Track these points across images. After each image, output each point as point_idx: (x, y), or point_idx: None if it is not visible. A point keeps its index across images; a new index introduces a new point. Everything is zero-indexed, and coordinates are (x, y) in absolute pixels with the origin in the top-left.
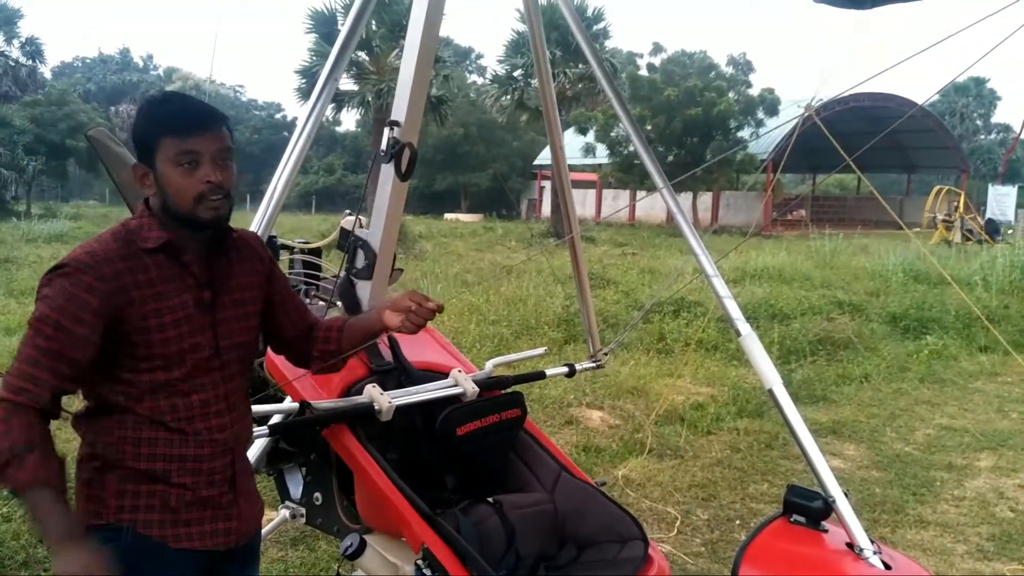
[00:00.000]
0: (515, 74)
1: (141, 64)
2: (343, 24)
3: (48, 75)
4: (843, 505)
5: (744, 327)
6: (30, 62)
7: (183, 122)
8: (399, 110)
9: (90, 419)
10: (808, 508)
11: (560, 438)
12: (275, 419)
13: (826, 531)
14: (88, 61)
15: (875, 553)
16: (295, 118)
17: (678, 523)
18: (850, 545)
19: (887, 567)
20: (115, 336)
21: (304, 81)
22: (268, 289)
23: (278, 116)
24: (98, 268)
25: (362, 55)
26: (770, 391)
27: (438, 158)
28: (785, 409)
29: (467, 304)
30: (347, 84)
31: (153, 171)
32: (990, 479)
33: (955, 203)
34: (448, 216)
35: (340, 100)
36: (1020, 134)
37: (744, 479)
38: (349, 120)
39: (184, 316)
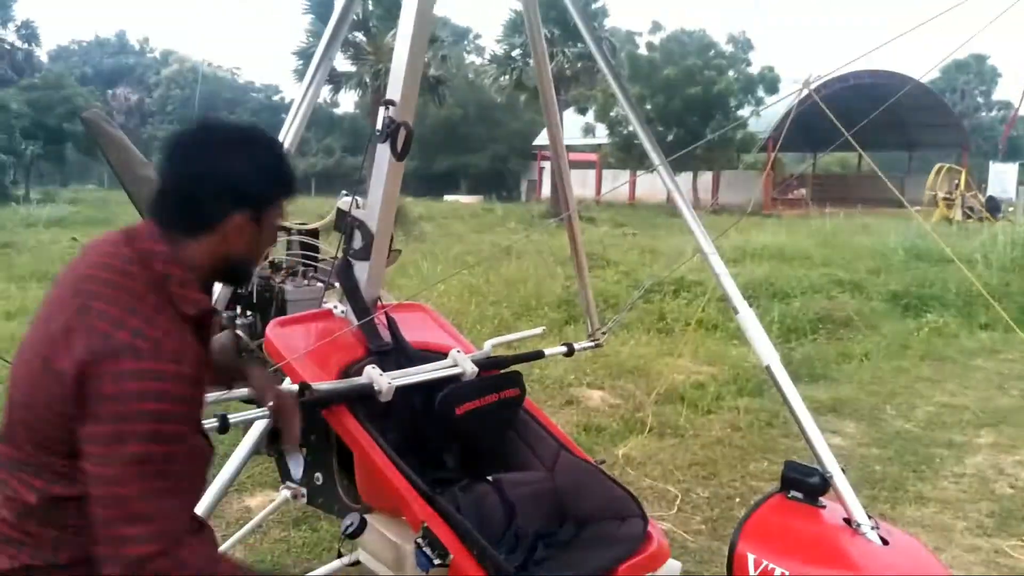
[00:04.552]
0: (513, 54)
1: (137, 47)
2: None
3: (44, 59)
4: (840, 481)
5: (741, 305)
6: (26, 46)
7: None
8: (394, 89)
9: None
10: (806, 484)
11: (560, 418)
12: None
13: (823, 507)
14: (84, 44)
15: (872, 528)
16: (292, 100)
17: (678, 501)
18: (847, 521)
19: (884, 542)
20: None
21: (302, 63)
22: None
23: (276, 98)
24: None
25: (359, 36)
26: (767, 367)
27: (436, 139)
28: (782, 385)
29: (467, 285)
30: (345, 65)
31: (258, 225)
32: (990, 456)
33: (956, 181)
34: (448, 197)
35: (338, 81)
36: (1018, 110)
37: (744, 457)
38: (347, 102)
39: None
